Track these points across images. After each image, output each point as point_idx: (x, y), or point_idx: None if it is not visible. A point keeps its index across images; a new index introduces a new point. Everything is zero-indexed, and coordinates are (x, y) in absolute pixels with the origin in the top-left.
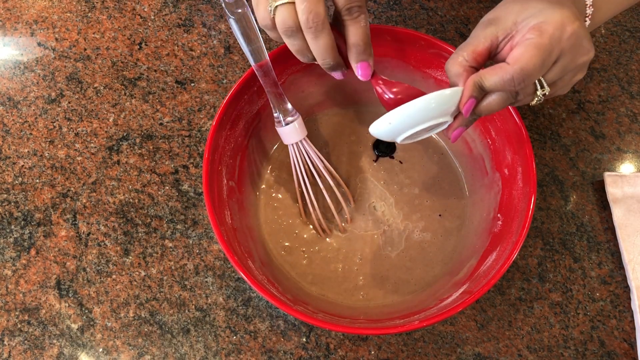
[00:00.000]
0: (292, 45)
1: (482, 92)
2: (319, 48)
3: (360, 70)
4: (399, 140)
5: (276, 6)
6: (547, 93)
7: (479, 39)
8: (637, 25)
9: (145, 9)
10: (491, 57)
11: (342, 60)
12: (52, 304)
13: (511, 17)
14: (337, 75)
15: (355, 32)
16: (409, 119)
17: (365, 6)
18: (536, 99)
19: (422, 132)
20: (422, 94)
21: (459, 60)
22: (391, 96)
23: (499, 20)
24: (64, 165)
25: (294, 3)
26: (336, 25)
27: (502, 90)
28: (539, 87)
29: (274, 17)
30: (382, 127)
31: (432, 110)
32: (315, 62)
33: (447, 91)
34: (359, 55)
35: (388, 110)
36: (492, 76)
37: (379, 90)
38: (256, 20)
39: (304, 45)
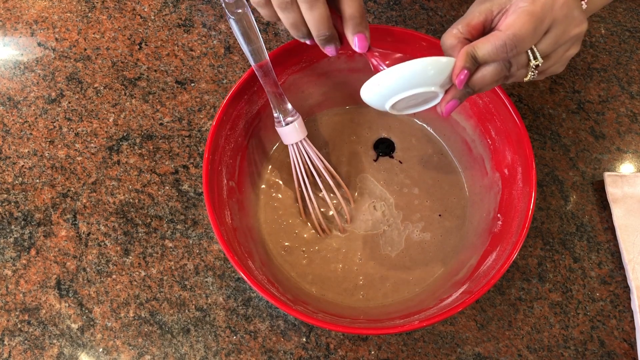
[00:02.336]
0: (286, 18)
1: (475, 64)
2: (314, 19)
3: (357, 42)
4: (387, 106)
5: None
6: (540, 64)
7: (474, 13)
8: (637, 25)
9: (145, 9)
10: (485, 32)
11: (337, 33)
12: (52, 304)
13: None
14: (330, 50)
15: (351, 4)
16: (399, 81)
17: None
18: (530, 73)
19: (411, 100)
20: None
21: (453, 32)
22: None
23: None
24: (64, 165)
25: None
26: (330, 2)
27: (495, 59)
28: (531, 57)
29: None
30: (371, 89)
31: (423, 75)
32: (310, 41)
33: (442, 59)
34: (356, 27)
35: None
36: (484, 44)
37: (375, 62)
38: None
39: (299, 17)
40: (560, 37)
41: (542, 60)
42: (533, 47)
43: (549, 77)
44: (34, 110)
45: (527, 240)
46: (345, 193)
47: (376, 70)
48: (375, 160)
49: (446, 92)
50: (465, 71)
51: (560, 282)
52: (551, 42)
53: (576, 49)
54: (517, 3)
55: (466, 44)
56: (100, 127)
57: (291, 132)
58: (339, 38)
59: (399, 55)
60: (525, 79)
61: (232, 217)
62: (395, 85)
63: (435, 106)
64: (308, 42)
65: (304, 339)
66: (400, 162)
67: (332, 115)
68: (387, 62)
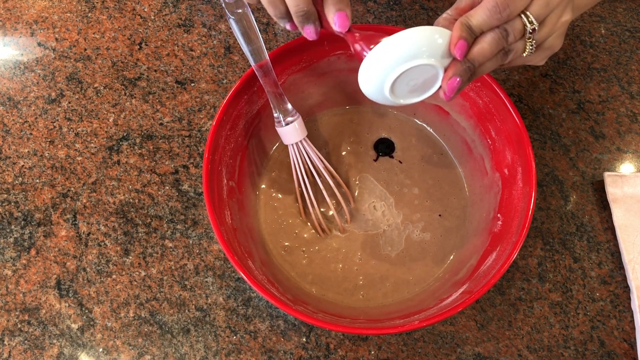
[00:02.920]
0: None
1: (471, 34)
2: None
3: (337, 20)
4: (386, 90)
5: None
6: (536, 28)
7: None
8: (637, 25)
9: (145, 9)
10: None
11: (316, 11)
12: (52, 304)
13: None
14: (309, 31)
15: None
16: (395, 53)
17: None
18: (528, 45)
19: (411, 81)
20: None
21: (443, 17)
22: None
23: None
24: (64, 165)
25: None
26: None
27: (490, 25)
28: (526, 22)
29: None
30: (367, 69)
31: (419, 45)
32: (290, 25)
33: (437, 28)
34: (336, 4)
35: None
36: (476, 11)
37: (358, 47)
38: None
39: None
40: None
41: (537, 25)
42: (526, 12)
43: (549, 77)
44: (34, 110)
45: (527, 240)
46: (345, 193)
47: (358, 56)
48: (375, 160)
49: (446, 70)
50: (463, 41)
51: (560, 282)
52: (542, 4)
53: (569, 14)
54: None
55: (453, 23)
56: (100, 127)
57: (291, 132)
58: (319, 20)
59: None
60: (525, 54)
61: (232, 217)
62: (391, 58)
63: (436, 102)
64: (288, 26)
65: (304, 339)
66: (400, 162)
67: (332, 115)
68: (371, 47)
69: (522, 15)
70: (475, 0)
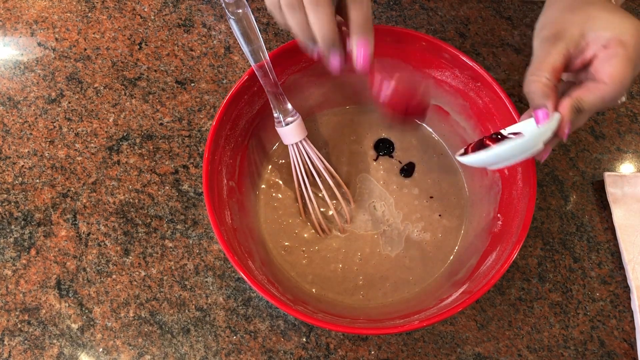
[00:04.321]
0: (293, 19)
1: (578, 114)
2: (319, 19)
3: (359, 48)
4: (491, 168)
5: None
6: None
7: (553, 55)
8: None
9: (145, 9)
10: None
11: (340, 41)
12: (52, 304)
13: (576, 30)
14: (335, 60)
15: (357, 14)
16: (506, 157)
17: None
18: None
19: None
20: (419, 96)
21: (543, 81)
22: (388, 98)
23: (564, 33)
24: (64, 165)
25: None
26: (339, 11)
27: (600, 110)
28: (624, 97)
29: None
30: (474, 162)
31: (534, 143)
32: (316, 53)
33: (550, 126)
34: (361, 33)
35: (382, 105)
36: (589, 97)
37: (377, 83)
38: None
39: (305, 19)
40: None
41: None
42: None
43: None
44: (34, 110)
45: (527, 240)
46: (345, 193)
47: (376, 91)
48: (375, 160)
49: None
50: (570, 123)
51: (560, 282)
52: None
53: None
54: (601, 46)
55: (556, 91)
56: (100, 127)
57: (291, 132)
58: (345, 52)
59: (397, 74)
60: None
61: (232, 217)
62: (502, 160)
63: (436, 102)
64: (315, 54)
65: (304, 339)
66: (400, 162)
67: (332, 115)
68: (385, 87)
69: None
70: (566, 58)
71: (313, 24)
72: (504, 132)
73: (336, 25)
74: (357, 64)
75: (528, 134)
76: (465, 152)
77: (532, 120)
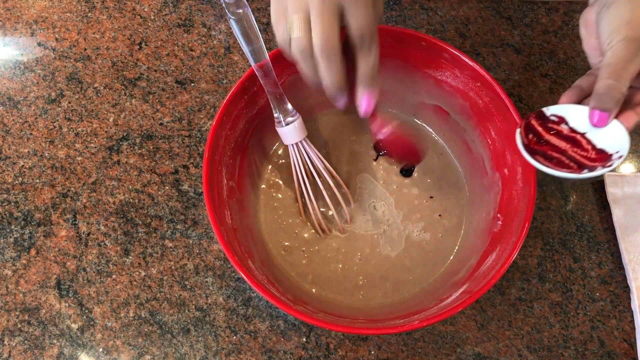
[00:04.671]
0: (305, 68)
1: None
2: (329, 71)
3: (364, 100)
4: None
5: (292, 24)
6: None
7: (637, 64)
8: None
9: (145, 9)
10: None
11: (347, 87)
12: (52, 304)
13: None
14: (340, 103)
15: (365, 65)
16: (564, 178)
17: (377, 32)
18: None
19: None
20: (414, 145)
21: (623, 90)
22: (384, 141)
23: None
24: (64, 165)
25: (309, 24)
26: (346, 49)
27: None
28: None
29: (290, 39)
30: (535, 165)
31: (588, 179)
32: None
33: (611, 168)
34: (367, 85)
35: (380, 146)
36: None
37: (374, 129)
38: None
39: (315, 70)
40: None
41: None
42: None
43: (549, 77)
44: (34, 110)
45: (527, 240)
46: (345, 193)
47: (375, 131)
48: (375, 160)
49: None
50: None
51: (560, 282)
52: None
53: None
54: None
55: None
56: (100, 127)
57: (291, 132)
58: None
59: (396, 122)
60: None
61: (232, 217)
62: (565, 178)
63: (436, 102)
64: (319, 89)
65: (304, 339)
66: (400, 162)
67: (332, 115)
68: (384, 130)
69: None
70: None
71: (322, 72)
72: (546, 111)
73: (345, 75)
74: (361, 110)
75: (588, 171)
76: (526, 137)
77: (580, 108)
